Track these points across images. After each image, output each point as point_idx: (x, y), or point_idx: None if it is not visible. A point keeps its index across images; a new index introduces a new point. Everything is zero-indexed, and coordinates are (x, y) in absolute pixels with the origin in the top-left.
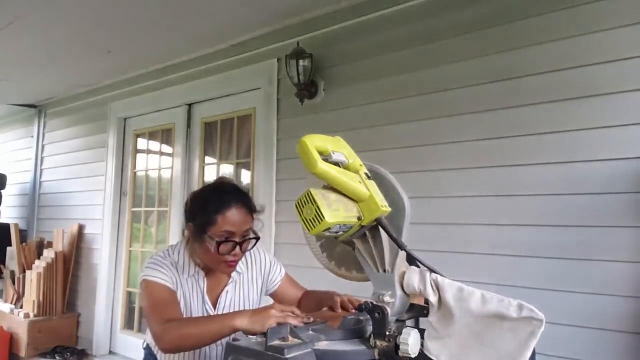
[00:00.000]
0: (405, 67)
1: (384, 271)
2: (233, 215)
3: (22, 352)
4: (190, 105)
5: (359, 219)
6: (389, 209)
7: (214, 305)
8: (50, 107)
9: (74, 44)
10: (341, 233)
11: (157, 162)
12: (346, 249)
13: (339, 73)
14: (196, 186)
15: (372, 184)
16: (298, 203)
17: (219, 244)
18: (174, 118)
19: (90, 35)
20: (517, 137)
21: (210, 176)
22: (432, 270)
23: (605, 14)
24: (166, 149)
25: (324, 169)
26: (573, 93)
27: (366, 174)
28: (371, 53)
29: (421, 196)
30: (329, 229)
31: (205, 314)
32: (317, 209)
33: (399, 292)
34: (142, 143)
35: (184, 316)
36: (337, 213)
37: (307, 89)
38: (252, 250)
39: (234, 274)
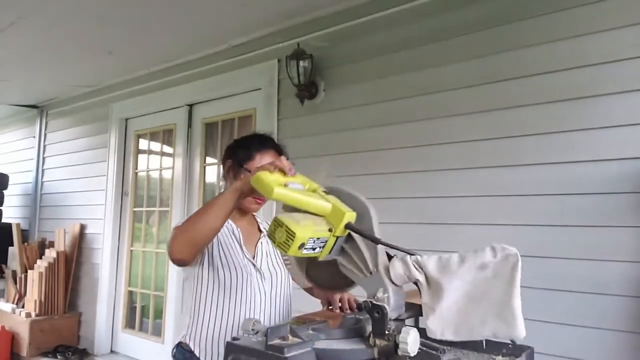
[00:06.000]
0: (405, 67)
1: (370, 273)
2: (269, 155)
3: (24, 352)
4: (191, 106)
5: (330, 230)
6: (354, 213)
7: (253, 256)
8: (51, 107)
9: (76, 44)
10: (318, 250)
11: (158, 162)
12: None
13: (339, 73)
14: (197, 186)
15: (332, 197)
16: (270, 233)
17: None
18: (174, 118)
19: (92, 36)
20: (517, 137)
21: (211, 176)
22: (411, 254)
23: (605, 14)
24: (167, 149)
25: (281, 192)
26: (573, 93)
27: (324, 190)
28: (371, 53)
29: (421, 196)
30: (304, 244)
31: (248, 264)
32: (286, 228)
33: (389, 286)
34: (143, 143)
35: (227, 264)
36: (306, 228)
37: (307, 89)
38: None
39: (263, 230)
